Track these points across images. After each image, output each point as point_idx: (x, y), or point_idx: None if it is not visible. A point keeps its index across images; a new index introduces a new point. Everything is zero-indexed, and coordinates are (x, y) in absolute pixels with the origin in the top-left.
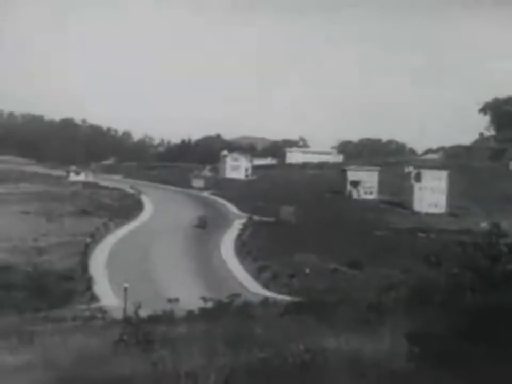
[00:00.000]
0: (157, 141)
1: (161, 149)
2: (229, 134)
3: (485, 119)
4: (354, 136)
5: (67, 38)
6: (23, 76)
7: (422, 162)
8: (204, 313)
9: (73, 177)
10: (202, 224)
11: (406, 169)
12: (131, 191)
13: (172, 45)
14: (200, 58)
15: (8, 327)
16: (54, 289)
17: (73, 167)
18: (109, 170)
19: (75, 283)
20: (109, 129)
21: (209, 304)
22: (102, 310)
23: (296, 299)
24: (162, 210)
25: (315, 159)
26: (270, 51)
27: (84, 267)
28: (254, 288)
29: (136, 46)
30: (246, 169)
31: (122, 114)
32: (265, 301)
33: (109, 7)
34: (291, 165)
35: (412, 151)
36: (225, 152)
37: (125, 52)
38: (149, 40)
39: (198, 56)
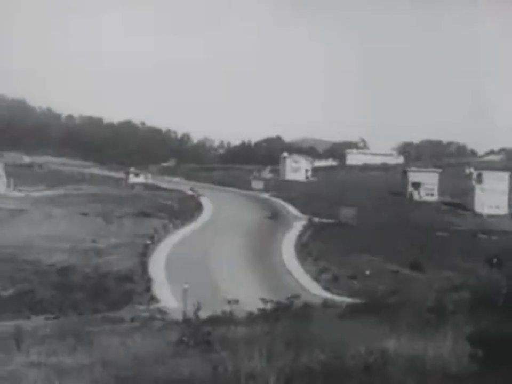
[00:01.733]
0: (216, 143)
1: (221, 151)
2: (289, 136)
3: None
4: (415, 137)
5: (125, 39)
6: (82, 78)
7: (483, 164)
8: (264, 315)
9: (132, 179)
10: (273, 216)
11: (467, 171)
12: (190, 192)
13: (233, 47)
14: (263, 61)
15: (67, 328)
16: (113, 290)
17: (132, 169)
18: (168, 172)
19: (134, 284)
20: (168, 131)
21: (269, 306)
22: (161, 311)
23: (356, 301)
24: (221, 212)
25: (375, 160)
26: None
27: (143, 268)
28: (314, 290)
29: (196, 48)
30: (307, 171)
31: (182, 117)
32: (326, 303)
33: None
34: (351, 167)
35: (473, 153)
36: (285, 154)
37: (185, 53)
38: (211, 41)
39: (260, 59)
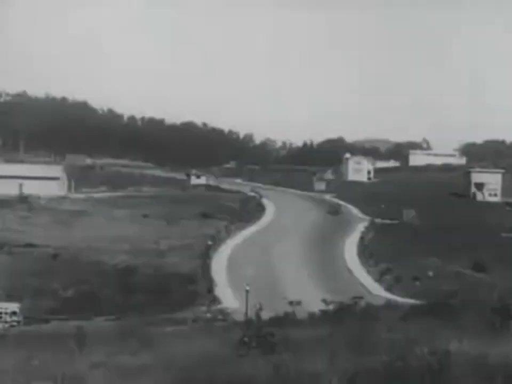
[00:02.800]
0: (278, 144)
1: (283, 152)
2: (351, 137)
3: None
4: (478, 138)
5: (183, 40)
6: (144, 79)
7: None
8: (326, 316)
9: (194, 180)
10: (334, 211)
11: None
12: (252, 194)
13: (289, 48)
14: (322, 62)
15: (128, 329)
16: (175, 291)
17: (194, 171)
18: (230, 173)
19: (196, 285)
20: (230, 132)
21: (331, 307)
22: (223, 312)
23: (419, 302)
24: (283, 213)
25: (438, 161)
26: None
27: (205, 269)
28: (376, 291)
29: (253, 50)
30: (369, 172)
31: (244, 118)
32: (388, 304)
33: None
34: (414, 167)
35: None
36: (347, 155)
37: (241, 55)
38: (265, 44)
39: (320, 60)
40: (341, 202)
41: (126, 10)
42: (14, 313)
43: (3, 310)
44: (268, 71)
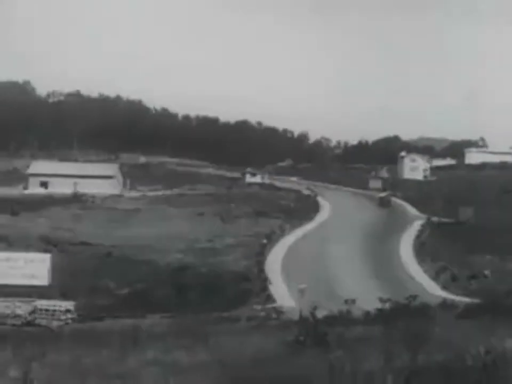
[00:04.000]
0: (333, 142)
1: (338, 151)
2: (407, 135)
3: None
4: None
5: (240, 43)
6: (196, 78)
7: None
8: (381, 314)
9: (249, 179)
10: (385, 203)
11: None
12: (307, 192)
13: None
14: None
15: (183, 327)
16: (229, 289)
17: (249, 169)
18: (285, 172)
19: (250, 284)
20: (284, 130)
21: (387, 305)
22: (278, 311)
23: (475, 301)
24: (339, 212)
25: (495, 159)
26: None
27: (260, 268)
28: (432, 290)
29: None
30: (424, 170)
31: (298, 116)
32: (444, 303)
33: None
34: (470, 166)
35: None
36: (403, 153)
37: (299, 56)
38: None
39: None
40: (397, 200)
41: (176, 11)
42: (68, 311)
43: (57, 308)
44: (319, 69)
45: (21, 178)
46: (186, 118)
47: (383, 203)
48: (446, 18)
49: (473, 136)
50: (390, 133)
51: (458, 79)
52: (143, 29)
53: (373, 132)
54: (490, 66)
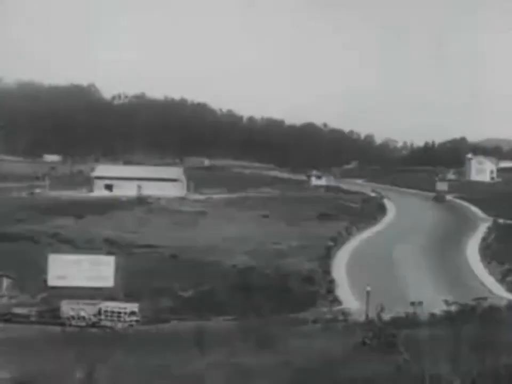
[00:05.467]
0: (400, 144)
1: (404, 152)
2: (474, 137)
3: None
4: None
5: (307, 45)
6: (262, 80)
7: None
8: (448, 317)
9: (314, 181)
10: (439, 199)
11: None
12: (373, 194)
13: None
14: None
15: (248, 329)
16: (295, 292)
17: (314, 171)
18: (351, 174)
19: (316, 286)
20: (351, 132)
21: (453, 308)
22: (344, 313)
23: None
24: (405, 214)
25: None
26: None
27: (326, 270)
28: (498, 292)
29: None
30: (491, 172)
31: (364, 118)
32: (510, 305)
33: None
34: None
35: None
36: (469, 155)
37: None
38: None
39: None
40: (463, 203)
41: (240, 15)
42: (133, 313)
43: (122, 310)
44: (384, 72)
45: (86, 181)
46: (251, 120)
47: (438, 198)
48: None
49: None
50: (457, 134)
51: None
52: (207, 32)
53: (439, 134)
54: None
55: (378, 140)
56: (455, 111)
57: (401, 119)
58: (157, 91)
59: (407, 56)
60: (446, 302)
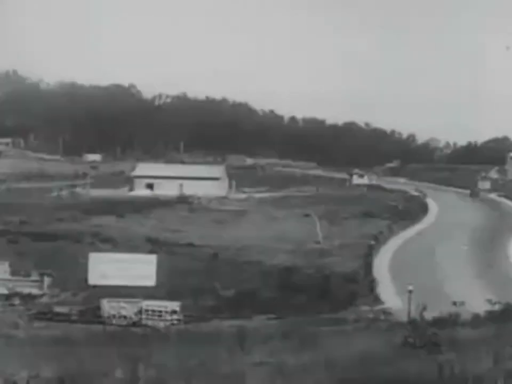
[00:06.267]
0: (442, 143)
1: (446, 151)
2: None
3: None
4: None
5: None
6: (303, 79)
7: None
8: (491, 316)
9: (356, 180)
10: (474, 194)
11: None
12: (415, 193)
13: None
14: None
15: (290, 328)
16: (336, 291)
17: (356, 170)
18: (393, 173)
19: (358, 285)
20: (393, 132)
21: (497, 307)
22: (386, 312)
23: None
24: (447, 213)
25: None
26: None
27: (367, 269)
28: None
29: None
30: None
31: (407, 118)
32: None
33: None
34: None
35: None
36: None
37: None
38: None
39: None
40: (506, 201)
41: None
42: (174, 311)
43: (163, 309)
44: (423, 70)
45: (127, 180)
46: (293, 119)
47: (473, 194)
48: None
49: None
50: (500, 134)
51: None
52: (248, 30)
53: (482, 133)
54: None
55: (421, 139)
56: (497, 111)
57: (444, 118)
58: (198, 91)
59: (446, 57)
60: (490, 302)
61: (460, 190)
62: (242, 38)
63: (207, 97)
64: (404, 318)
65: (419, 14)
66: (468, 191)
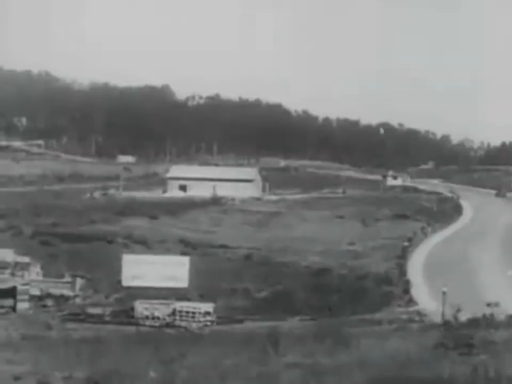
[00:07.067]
0: (476, 144)
1: (481, 152)
2: None
3: None
4: None
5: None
6: (337, 80)
7: None
8: None
9: (390, 181)
10: (501, 194)
11: None
12: (450, 194)
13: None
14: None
15: (323, 330)
16: (370, 292)
17: (390, 172)
18: (427, 174)
19: (392, 286)
20: (427, 132)
21: None
22: (420, 314)
23: None
24: (481, 214)
25: None
26: None
27: (401, 270)
28: None
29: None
30: None
31: (442, 118)
32: None
33: None
34: None
35: None
36: None
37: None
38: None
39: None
40: None
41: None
42: (207, 313)
43: (197, 310)
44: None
45: (160, 182)
46: (327, 120)
47: (499, 194)
48: None
49: None
50: None
51: None
52: (281, 33)
53: None
54: None
55: (455, 139)
56: None
57: (478, 119)
58: (232, 92)
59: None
60: None
61: (493, 191)
62: (276, 41)
63: (240, 98)
64: (438, 320)
65: None
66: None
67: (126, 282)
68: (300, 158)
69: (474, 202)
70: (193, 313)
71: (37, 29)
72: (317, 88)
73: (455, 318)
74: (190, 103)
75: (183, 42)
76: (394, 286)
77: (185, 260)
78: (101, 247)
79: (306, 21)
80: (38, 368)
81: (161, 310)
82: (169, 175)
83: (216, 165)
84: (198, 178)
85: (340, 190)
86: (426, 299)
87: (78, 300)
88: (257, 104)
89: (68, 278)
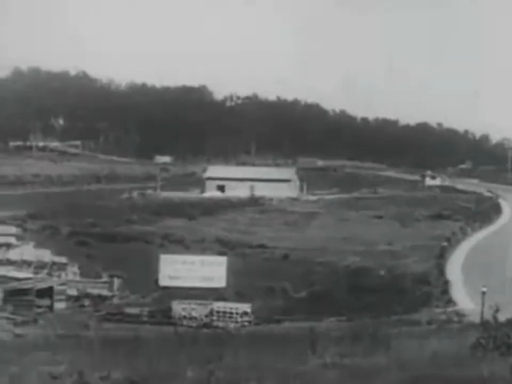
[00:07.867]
0: None
1: None
2: None
3: None
4: None
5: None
6: (375, 81)
7: None
8: None
9: (428, 181)
10: None
11: None
12: (489, 194)
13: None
14: None
15: (361, 330)
16: (409, 292)
17: (428, 172)
18: (466, 174)
19: (431, 287)
20: (466, 132)
21: None
22: (459, 314)
23: None
24: None
25: None
26: None
27: (440, 271)
28: None
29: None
30: None
31: (480, 118)
32: None
33: None
34: None
35: None
36: None
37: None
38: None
39: None
40: None
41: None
42: (245, 313)
43: (234, 310)
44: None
45: (198, 182)
46: (365, 120)
47: None
48: None
49: None
50: None
51: None
52: (321, 33)
53: None
54: None
55: (494, 139)
56: None
57: None
58: (270, 92)
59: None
60: None
61: None
62: (315, 39)
63: (278, 98)
64: (477, 320)
65: None
66: None
67: (163, 282)
68: (338, 158)
69: None
70: (231, 313)
71: (74, 30)
72: (354, 88)
73: (494, 318)
74: (227, 103)
75: (221, 42)
76: (433, 286)
77: (223, 260)
78: (138, 247)
79: (339, 19)
80: (75, 368)
81: (198, 310)
82: (206, 175)
83: (254, 165)
84: (236, 179)
85: (386, 190)
86: (465, 299)
87: (115, 300)
88: (294, 104)
89: (105, 278)
